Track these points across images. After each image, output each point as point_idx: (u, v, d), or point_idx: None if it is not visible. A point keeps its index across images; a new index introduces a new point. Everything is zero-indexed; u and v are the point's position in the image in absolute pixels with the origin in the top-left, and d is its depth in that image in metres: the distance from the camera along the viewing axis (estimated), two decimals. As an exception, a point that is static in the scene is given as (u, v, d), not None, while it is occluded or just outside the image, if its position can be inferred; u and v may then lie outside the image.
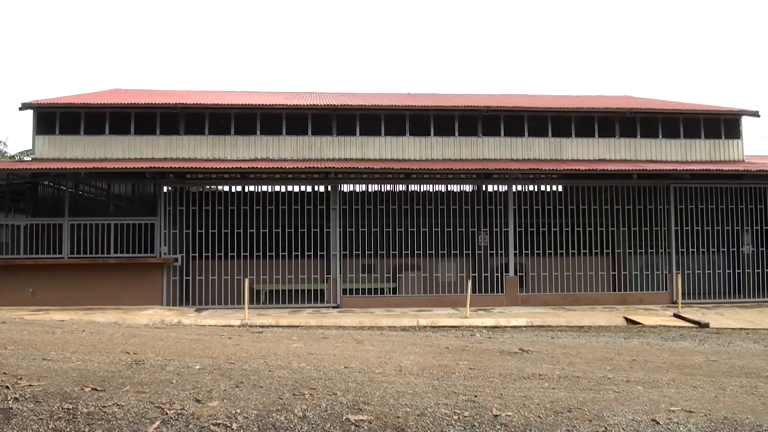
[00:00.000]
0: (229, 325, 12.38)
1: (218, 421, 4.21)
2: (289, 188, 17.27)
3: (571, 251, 17.15)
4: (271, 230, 16.41)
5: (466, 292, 14.63)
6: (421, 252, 16.96)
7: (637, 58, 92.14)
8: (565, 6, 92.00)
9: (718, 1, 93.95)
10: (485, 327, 12.88)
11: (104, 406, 4.38)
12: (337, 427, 4.22)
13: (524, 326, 13.10)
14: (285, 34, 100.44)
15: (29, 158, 20.08)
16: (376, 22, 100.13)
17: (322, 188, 17.06)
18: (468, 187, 18.20)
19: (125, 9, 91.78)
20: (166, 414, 4.30)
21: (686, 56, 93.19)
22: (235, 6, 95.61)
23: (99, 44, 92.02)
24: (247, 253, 16.27)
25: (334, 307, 15.92)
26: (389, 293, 17.06)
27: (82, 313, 13.79)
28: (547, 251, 17.18)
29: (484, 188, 17.75)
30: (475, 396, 5.06)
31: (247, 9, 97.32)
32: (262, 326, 12.29)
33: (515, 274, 16.68)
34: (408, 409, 4.57)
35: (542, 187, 17.89)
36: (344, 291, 16.45)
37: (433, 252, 17.06)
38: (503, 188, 17.18)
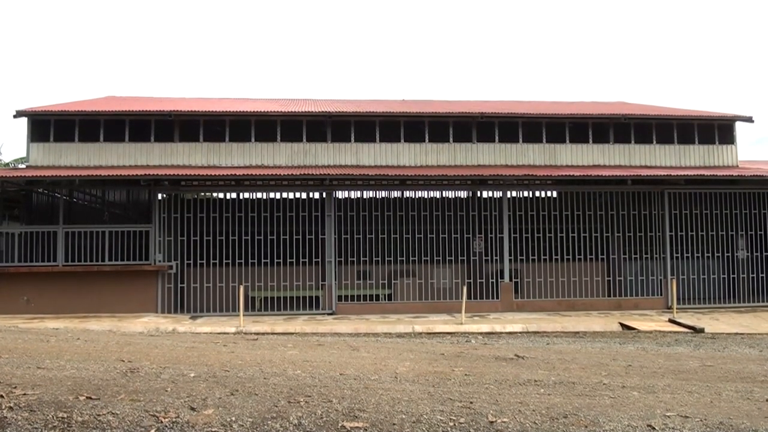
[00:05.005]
0: (224, 333, 12.35)
1: (213, 429, 4.20)
2: (284, 195, 17.25)
3: (566, 257, 17.17)
4: (266, 237, 16.39)
5: (462, 299, 14.61)
6: (416, 258, 16.93)
7: (631, 65, 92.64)
8: (560, 12, 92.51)
9: (712, 7, 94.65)
10: (481, 333, 12.88)
11: (99, 415, 4.36)
12: (333, 435, 4.21)
13: (520, 332, 13.10)
14: (280, 42, 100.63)
15: (24, 166, 20.04)
16: (371, 29, 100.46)
17: (317, 195, 17.06)
18: (463, 193, 18.23)
19: (121, 16, 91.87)
20: (161, 422, 4.28)
21: (680, 62, 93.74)
22: (230, 13, 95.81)
23: (94, 52, 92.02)
24: (242, 260, 16.23)
25: (329, 314, 15.89)
26: (384, 300, 17.00)
27: (76, 321, 13.73)
28: (542, 257, 17.18)
29: (478, 194, 17.78)
30: (471, 402, 5.05)
31: (242, 16, 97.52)
32: (257, 333, 12.26)
33: (510, 280, 16.67)
34: (403, 416, 4.56)
35: (537, 193, 17.91)
36: (339, 298, 16.42)
37: (428, 258, 17.03)
38: (498, 194, 17.18)
